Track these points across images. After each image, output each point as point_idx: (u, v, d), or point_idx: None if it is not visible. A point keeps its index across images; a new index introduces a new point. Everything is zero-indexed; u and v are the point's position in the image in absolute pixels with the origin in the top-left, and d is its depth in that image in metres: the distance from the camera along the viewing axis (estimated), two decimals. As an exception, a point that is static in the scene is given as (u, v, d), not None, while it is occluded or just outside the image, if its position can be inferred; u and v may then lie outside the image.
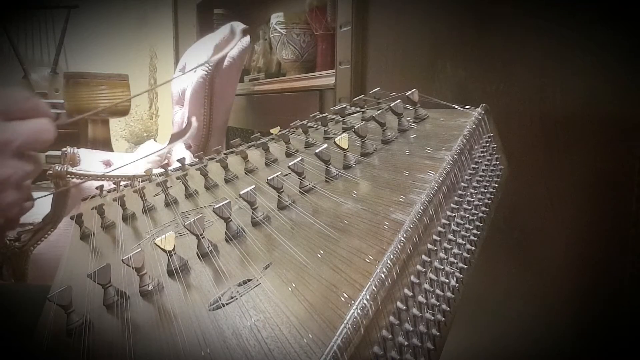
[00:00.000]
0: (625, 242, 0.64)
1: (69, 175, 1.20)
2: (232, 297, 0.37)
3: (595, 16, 0.66)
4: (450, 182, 0.45)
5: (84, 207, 0.89)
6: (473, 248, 0.46)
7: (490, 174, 0.54)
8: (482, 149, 0.54)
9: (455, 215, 0.44)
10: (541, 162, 0.73)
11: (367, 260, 0.34)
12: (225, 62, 1.66)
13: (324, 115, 0.76)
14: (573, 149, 0.69)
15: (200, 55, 1.73)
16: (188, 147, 1.70)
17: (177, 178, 0.80)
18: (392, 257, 0.33)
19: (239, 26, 1.69)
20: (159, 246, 0.46)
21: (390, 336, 0.31)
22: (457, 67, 0.85)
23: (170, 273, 0.46)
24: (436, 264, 0.39)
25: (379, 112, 0.57)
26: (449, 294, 0.40)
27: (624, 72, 0.63)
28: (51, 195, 1.21)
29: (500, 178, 0.57)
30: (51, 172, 1.19)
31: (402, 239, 0.35)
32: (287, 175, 0.56)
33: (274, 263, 0.40)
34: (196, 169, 0.85)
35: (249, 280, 0.39)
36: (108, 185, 0.99)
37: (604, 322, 0.67)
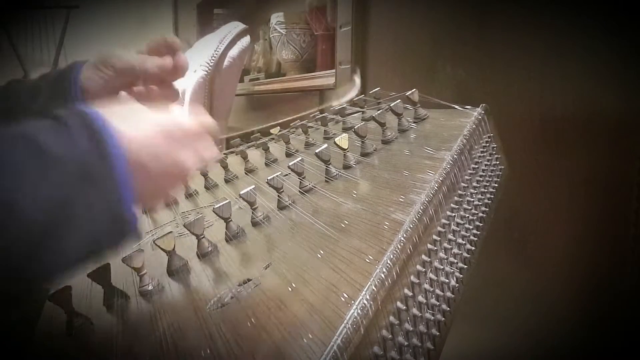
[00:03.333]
0: (625, 242, 0.64)
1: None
2: (232, 297, 0.37)
3: (595, 16, 0.66)
4: (450, 182, 0.45)
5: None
6: (473, 248, 0.46)
7: (490, 174, 0.54)
8: (482, 149, 0.54)
9: (455, 215, 0.44)
10: (541, 162, 0.73)
11: (367, 260, 0.34)
12: (225, 62, 1.65)
13: (323, 115, 0.76)
14: (573, 148, 0.69)
15: (201, 55, 1.72)
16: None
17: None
18: (392, 257, 0.33)
19: (238, 26, 1.69)
20: (159, 246, 0.46)
21: (390, 336, 0.31)
22: (457, 67, 0.85)
23: (170, 273, 0.46)
24: (436, 264, 0.39)
25: (379, 112, 0.57)
26: (449, 294, 0.40)
27: (624, 72, 0.63)
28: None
29: (500, 178, 0.57)
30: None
31: (402, 239, 0.35)
32: (287, 175, 0.56)
33: (274, 263, 0.40)
34: (196, 169, 0.84)
35: (249, 280, 0.39)
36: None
37: (604, 322, 0.67)
